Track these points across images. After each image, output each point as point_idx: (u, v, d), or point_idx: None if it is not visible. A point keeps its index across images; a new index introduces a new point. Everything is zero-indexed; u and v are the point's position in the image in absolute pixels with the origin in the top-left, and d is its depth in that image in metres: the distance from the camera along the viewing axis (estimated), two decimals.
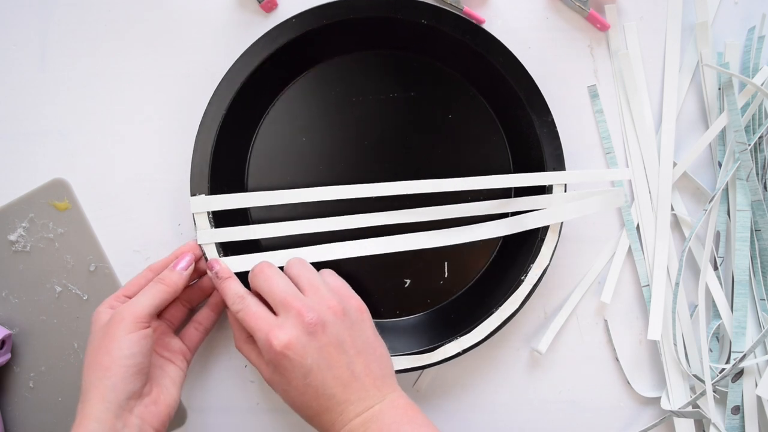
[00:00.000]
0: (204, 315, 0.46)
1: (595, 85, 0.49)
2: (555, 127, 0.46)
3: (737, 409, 0.47)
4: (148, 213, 0.49)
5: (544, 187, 0.46)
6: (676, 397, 0.47)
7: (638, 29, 0.50)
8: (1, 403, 0.47)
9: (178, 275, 0.43)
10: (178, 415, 0.48)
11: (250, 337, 0.42)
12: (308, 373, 0.38)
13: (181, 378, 0.43)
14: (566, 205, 0.45)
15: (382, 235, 0.47)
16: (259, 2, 0.48)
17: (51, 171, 0.49)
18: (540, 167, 0.46)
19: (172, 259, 0.45)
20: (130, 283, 0.44)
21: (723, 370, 0.47)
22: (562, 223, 0.46)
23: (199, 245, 0.45)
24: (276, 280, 0.41)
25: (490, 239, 0.48)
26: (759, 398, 0.47)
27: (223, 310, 0.47)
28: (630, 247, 0.49)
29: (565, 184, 0.46)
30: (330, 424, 0.38)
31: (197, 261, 0.45)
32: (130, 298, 0.42)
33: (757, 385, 0.47)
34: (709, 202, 0.47)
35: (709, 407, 0.46)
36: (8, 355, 0.47)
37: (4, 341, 0.46)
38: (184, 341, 0.45)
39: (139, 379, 0.39)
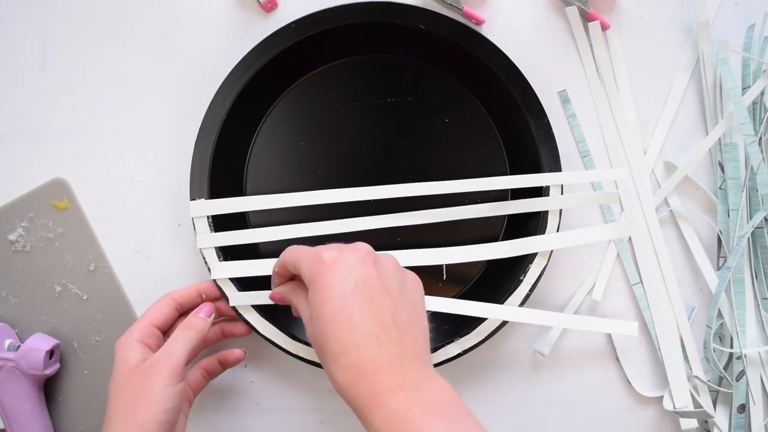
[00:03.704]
0: (212, 365, 0.46)
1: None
2: (551, 128, 0.46)
3: (743, 408, 0.47)
4: (148, 213, 0.49)
5: (540, 189, 0.46)
6: (678, 397, 0.47)
7: (638, 29, 0.50)
8: (2, 403, 0.47)
9: (204, 322, 0.42)
10: None
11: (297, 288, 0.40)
12: (348, 296, 0.34)
13: (185, 425, 0.42)
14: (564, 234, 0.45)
15: (381, 238, 0.47)
16: (259, 2, 0.48)
17: (51, 171, 0.49)
18: (536, 169, 0.46)
19: (192, 291, 0.45)
20: (153, 311, 0.43)
21: (725, 369, 0.47)
22: (560, 223, 0.46)
23: (216, 285, 0.45)
24: (313, 248, 0.38)
25: (488, 239, 0.48)
26: (765, 396, 0.47)
27: (229, 365, 0.46)
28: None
29: (562, 186, 0.46)
30: (359, 371, 0.33)
31: (217, 300, 0.45)
32: (157, 327, 0.42)
33: (762, 382, 0.47)
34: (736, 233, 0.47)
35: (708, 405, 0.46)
36: (57, 365, 0.47)
37: (53, 351, 0.46)
38: (190, 386, 0.44)
39: None
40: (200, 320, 0.42)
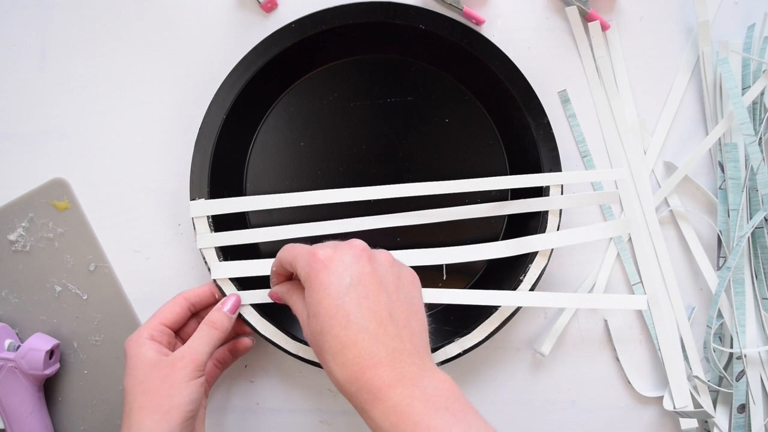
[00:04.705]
0: (224, 355, 0.46)
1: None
2: (551, 128, 0.46)
3: (743, 408, 0.47)
4: (148, 213, 0.49)
5: (540, 189, 0.46)
6: (678, 397, 0.47)
7: (638, 29, 0.50)
8: (2, 403, 0.47)
9: (228, 319, 0.43)
10: None
11: (294, 287, 0.40)
12: (344, 293, 0.34)
13: (204, 415, 0.43)
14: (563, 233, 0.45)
15: (381, 238, 0.47)
16: (259, 2, 0.48)
17: (51, 171, 0.49)
18: (536, 169, 0.46)
19: (205, 290, 0.45)
20: (164, 311, 0.43)
21: (725, 369, 0.47)
22: (560, 223, 0.46)
23: (216, 285, 0.45)
24: (309, 246, 0.38)
25: (488, 239, 0.48)
26: (765, 396, 0.47)
27: (239, 355, 0.47)
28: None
29: (562, 186, 0.46)
30: (357, 367, 0.33)
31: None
32: (168, 326, 0.42)
33: (762, 382, 0.47)
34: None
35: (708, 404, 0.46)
36: (57, 365, 0.47)
37: (53, 351, 0.46)
38: (206, 377, 0.45)
39: (192, 423, 0.39)
40: (226, 318, 0.42)
